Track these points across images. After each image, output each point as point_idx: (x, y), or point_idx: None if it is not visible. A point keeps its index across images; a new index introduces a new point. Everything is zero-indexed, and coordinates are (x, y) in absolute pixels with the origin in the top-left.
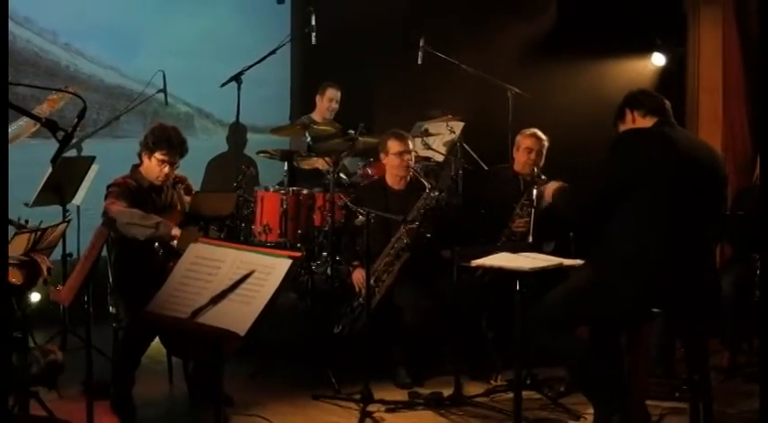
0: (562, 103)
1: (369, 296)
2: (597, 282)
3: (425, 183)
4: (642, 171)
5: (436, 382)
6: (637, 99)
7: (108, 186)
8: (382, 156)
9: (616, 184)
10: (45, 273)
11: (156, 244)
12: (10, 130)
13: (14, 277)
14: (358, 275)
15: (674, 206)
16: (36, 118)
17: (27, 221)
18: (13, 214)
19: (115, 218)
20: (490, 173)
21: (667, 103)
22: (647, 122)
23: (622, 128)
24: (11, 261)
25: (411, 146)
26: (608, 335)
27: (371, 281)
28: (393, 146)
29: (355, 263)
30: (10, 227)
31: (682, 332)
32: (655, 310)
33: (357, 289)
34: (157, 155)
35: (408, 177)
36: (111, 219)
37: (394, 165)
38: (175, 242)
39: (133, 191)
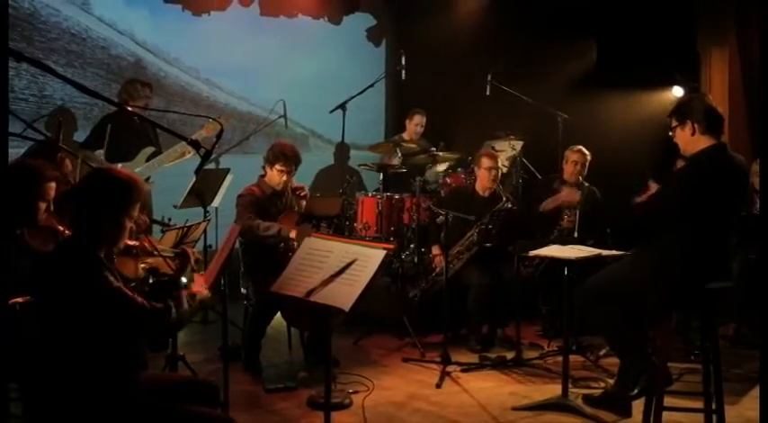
0: (601, 126)
1: (446, 274)
2: (649, 277)
3: (503, 196)
4: (707, 198)
5: (501, 348)
6: (704, 115)
7: (238, 196)
8: (475, 168)
9: (685, 205)
10: (193, 263)
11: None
12: (170, 151)
13: (170, 267)
14: (438, 259)
15: (722, 221)
16: (182, 138)
17: (170, 219)
18: (164, 215)
19: (246, 229)
20: (543, 182)
21: (723, 119)
22: (703, 140)
23: (680, 133)
24: (168, 254)
25: (499, 164)
26: (636, 311)
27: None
28: (485, 162)
29: (435, 249)
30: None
31: (699, 310)
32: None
33: (434, 266)
34: (277, 166)
35: (493, 188)
36: (243, 220)
37: (483, 177)
38: (294, 242)
39: (259, 197)
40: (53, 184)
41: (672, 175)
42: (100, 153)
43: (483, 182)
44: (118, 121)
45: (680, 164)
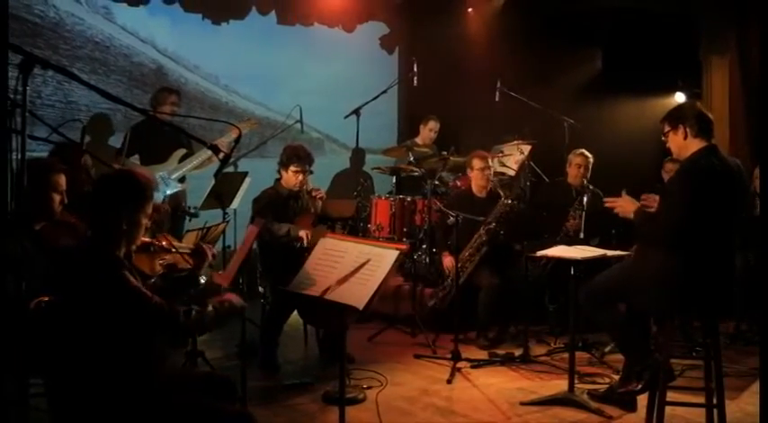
0: (606, 131)
1: (457, 278)
2: (652, 278)
3: (501, 193)
4: (706, 195)
5: (509, 345)
6: (694, 119)
7: (253, 200)
8: (468, 171)
9: (686, 205)
10: (210, 258)
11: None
12: (201, 152)
13: (188, 263)
14: (448, 262)
15: (723, 224)
16: (202, 142)
17: (196, 208)
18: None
19: (262, 228)
20: (550, 184)
21: (713, 123)
22: (695, 143)
23: (672, 137)
24: (184, 250)
25: (490, 163)
26: (639, 310)
27: (458, 266)
28: (476, 163)
29: (445, 252)
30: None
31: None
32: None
33: (447, 272)
34: (292, 168)
35: (489, 187)
36: (260, 221)
37: (477, 177)
38: (305, 241)
39: (274, 199)
40: (62, 176)
41: (671, 182)
42: (135, 158)
43: (478, 182)
44: (148, 127)
45: (667, 166)
